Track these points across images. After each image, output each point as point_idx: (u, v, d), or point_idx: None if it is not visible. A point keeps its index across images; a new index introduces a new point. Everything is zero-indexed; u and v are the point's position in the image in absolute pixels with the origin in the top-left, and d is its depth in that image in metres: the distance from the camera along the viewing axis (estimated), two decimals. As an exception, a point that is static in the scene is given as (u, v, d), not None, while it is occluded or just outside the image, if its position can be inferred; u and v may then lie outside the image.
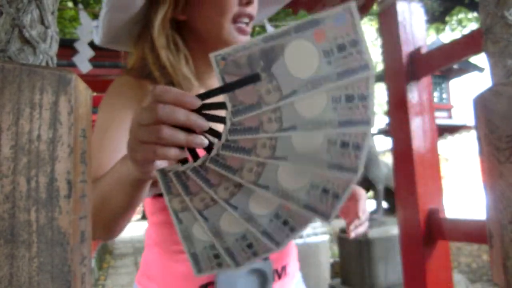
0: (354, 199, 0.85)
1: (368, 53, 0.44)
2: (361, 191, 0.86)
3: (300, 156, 0.45)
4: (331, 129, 0.44)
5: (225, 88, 0.45)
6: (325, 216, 0.45)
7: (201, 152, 0.47)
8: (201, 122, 0.45)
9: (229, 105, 0.46)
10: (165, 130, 0.44)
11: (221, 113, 0.46)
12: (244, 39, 0.72)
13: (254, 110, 0.45)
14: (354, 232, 0.82)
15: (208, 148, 0.47)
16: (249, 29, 0.73)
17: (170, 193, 0.48)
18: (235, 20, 0.71)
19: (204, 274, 0.49)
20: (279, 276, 0.81)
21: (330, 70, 0.44)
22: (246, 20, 0.72)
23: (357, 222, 0.82)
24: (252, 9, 0.71)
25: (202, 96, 0.46)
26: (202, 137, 0.46)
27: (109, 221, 0.63)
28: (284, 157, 0.45)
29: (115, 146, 0.69)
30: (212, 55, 0.44)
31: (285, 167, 0.45)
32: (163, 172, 0.48)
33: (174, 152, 0.45)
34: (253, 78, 0.44)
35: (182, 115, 0.44)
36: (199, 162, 0.47)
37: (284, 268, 0.82)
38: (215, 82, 0.79)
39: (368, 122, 0.44)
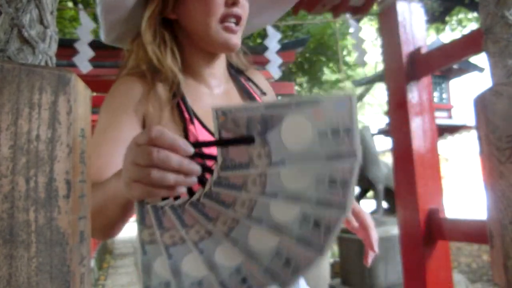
0: (364, 227, 0.92)
1: (357, 143, 0.46)
2: (369, 219, 0.90)
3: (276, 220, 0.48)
4: (308, 205, 0.47)
5: (219, 142, 0.47)
6: (319, 250, 0.47)
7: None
8: (193, 168, 0.47)
9: (220, 158, 0.48)
10: (157, 174, 0.45)
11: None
12: (232, 37, 0.74)
13: (242, 169, 0.47)
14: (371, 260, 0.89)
15: (190, 190, 0.50)
16: (237, 28, 0.75)
17: (142, 223, 0.50)
18: (222, 20, 0.74)
19: None
20: None
21: (320, 150, 0.46)
22: (233, 20, 0.74)
23: (373, 254, 0.89)
24: (239, 9, 0.74)
25: (195, 145, 0.48)
26: (191, 179, 0.48)
27: (105, 226, 0.65)
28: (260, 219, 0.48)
29: (114, 149, 0.70)
30: (213, 109, 0.46)
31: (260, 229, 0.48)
32: (141, 203, 0.50)
33: (163, 193, 0.47)
34: (248, 140, 0.46)
35: (175, 162, 0.45)
36: (179, 201, 0.50)
37: None
38: (214, 80, 0.82)
39: (344, 208, 0.46)
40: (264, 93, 0.86)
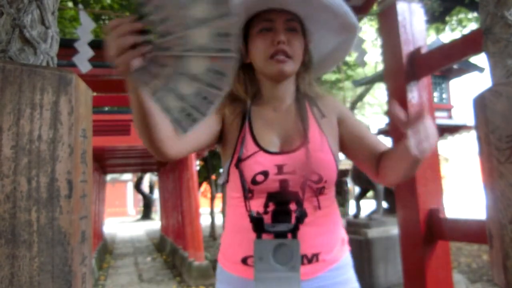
0: (420, 115, 0.87)
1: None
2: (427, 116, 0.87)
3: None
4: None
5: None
6: (226, 85, 0.70)
7: None
8: (134, 27, 0.66)
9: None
10: (120, 41, 0.65)
11: None
12: (282, 66, 0.98)
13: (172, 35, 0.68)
14: (417, 149, 0.84)
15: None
16: (286, 59, 0.98)
17: (145, 85, 0.68)
18: (273, 56, 0.98)
19: (188, 131, 0.70)
20: (309, 261, 0.95)
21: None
22: (281, 55, 0.97)
23: (418, 136, 0.85)
24: (285, 46, 0.97)
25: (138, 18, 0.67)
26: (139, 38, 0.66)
27: (147, 139, 0.82)
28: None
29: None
30: None
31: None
32: (136, 78, 0.66)
33: (132, 53, 0.65)
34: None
35: (129, 41, 0.65)
36: (144, 63, 0.67)
37: (316, 256, 0.96)
38: (277, 101, 1.06)
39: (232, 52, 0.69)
40: (323, 116, 1.04)
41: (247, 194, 0.96)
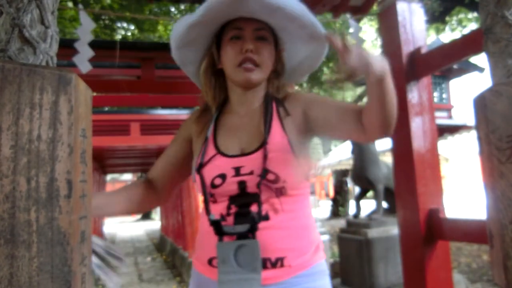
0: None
1: None
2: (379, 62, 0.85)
3: None
4: None
5: None
6: None
7: None
8: None
9: None
10: None
11: None
12: (249, 75, 1.00)
13: None
14: (359, 60, 0.83)
15: None
16: (254, 67, 1.00)
17: None
18: (240, 64, 1.00)
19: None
20: (273, 265, 0.93)
21: None
22: (248, 64, 1.00)
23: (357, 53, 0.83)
24: (253, 55, 0.99)
25: None
26: None
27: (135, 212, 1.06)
28: None
29: (160, 158, 1.17)
30: None
31: None
32: None
33: None
34: None
35: None
36: None
37: (280, 260, 0.93)
38: (243, 107, 1.07)
39: None
40: (288, 114, 1.03)
41: (209, 197, 0.98)
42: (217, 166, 0.97)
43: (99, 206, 0.98)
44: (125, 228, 16.12)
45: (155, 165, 1.16)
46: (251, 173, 0.94)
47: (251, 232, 0.90)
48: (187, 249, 6.28)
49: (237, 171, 0.95)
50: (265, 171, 0.93)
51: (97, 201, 0.96)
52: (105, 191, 1.12)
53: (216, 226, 0.92)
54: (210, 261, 0.97)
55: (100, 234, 8.89)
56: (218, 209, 0.97)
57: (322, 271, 1.01)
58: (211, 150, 1.01)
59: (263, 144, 0.97)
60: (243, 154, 0.98)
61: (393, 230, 3.99)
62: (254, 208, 0.93)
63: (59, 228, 0.40)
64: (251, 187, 0.94)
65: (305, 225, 0.99)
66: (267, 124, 1.01)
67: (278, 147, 0.96)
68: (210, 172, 0.97)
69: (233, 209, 0.95)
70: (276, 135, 0.99)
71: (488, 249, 0.98)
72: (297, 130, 1.01)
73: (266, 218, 0.93)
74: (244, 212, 0.93)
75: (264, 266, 0.91)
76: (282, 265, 0.93)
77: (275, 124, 1.02)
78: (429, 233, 1.90)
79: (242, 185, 0.95)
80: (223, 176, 0.96)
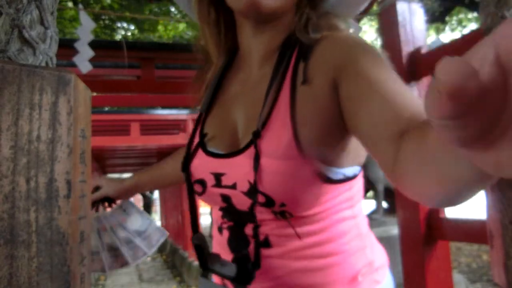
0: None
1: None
2: None
3: None
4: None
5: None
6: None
7: None
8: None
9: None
10: None
11: None
12: None
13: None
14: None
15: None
16: None
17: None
18: None
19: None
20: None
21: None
22: None
23: None
24: None
25: None
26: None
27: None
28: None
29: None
30: None
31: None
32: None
33: None
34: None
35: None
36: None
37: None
38: (259, 58, 0.67)
39: None
40: (306, 80, 0.58)
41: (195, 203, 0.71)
42: (197, 166, 0.67)
43: (152, 180, 0.97)
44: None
45: None
46: (233, 186, 0.61)
47: (242, 278, 0.60)
48: (187, 249, 6.28)
49: (217, 179, 0.63)
50: (253, 190, 0.58)
51: (151, 175, 0.97)
52: (155, 165, 0.99)
53: (199, 253, 0.66)
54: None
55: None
56: (216, 216, 0.71)
57: None
58: (196, 138, 0.69)
59: (252, 142, 0.58)
60: (226, 155, 0.63)
61: (393, 230, 3.99)
62: (248, 230, 0.63)
63: (58, 228, 0.40)
64: (240, 205, 0.63)
65: (334, 251, 0.63)
66: (269, 98, 0.59)
67: (275, 148, 0.57)
68: (193, 172, 0.68)
69: (227, 224, 0.66)
70: (278, 122, 0.58)
71: (488, 249, 0.98)
72: (317, 114, 0.57)
73: (266, 244, 0.62)
74: (238, 235, 0.64)
75: None
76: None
77: (282, 99, 0.59)
78: (429, 233, 1.90)
79: (226, 200, 0.64)
80: (202, 183, 0.66)
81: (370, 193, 4.90)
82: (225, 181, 0.62)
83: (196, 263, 5.76)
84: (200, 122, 0.71)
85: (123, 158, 7.85)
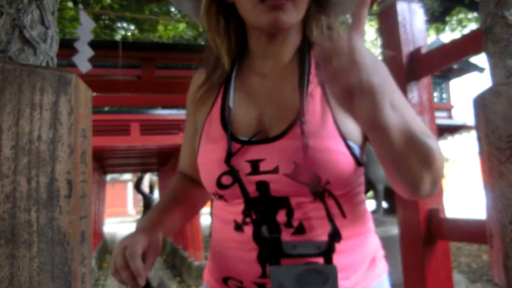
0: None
1: None
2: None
3: None
4: None
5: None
6: None
7: None
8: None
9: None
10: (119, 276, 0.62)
11: None
12: (278, 14, 0.65)
13: None
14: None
15: None
16: (285, 2, 0.65)
17: None
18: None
19: None
20: None
21: None
22: None
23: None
24: None
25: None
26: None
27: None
28: None
29: (184, 148, 0.88)
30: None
31: None
32: None
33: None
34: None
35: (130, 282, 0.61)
36: None
37: None
38: (272, 61, 0.74)
39: None
40: None
41: (216, 197, 0.72)
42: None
43: (167, 229, 0.78)
44: (125, 227, 16.12)
45: (181, 155, 0.89)
46: (275, 170, 0.64)
47: (324, 255, 0.62)
48: (187, 249, 6.28)
49: (255, 166, 0.65)
50: (299, 171, 0.62)
51: (164, 225, 0.77)
52: (161, 210, 0.81)
53: (273, 246, 0.63)
54: (225, 281, 0.72)
55: (100, 234, 8.89)
56: (230, 213, 0.70)
57: None
58: (215, 130, 0.71)
59: (294, 124, 0.64)
60: (264, 140, 0.66)
61: (393, 230, 3.99)
62: (280, 218, 0.65)
63: (59, 228, 0.40)
64: (276, 191, 0.65)
65: (360, 231, 0.71)
66: (304, 89, 0.67)
67: (317, 128, 0.64)
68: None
69: (252, 216, 0.67)
70: (316, 108, 0.66)
71: (488, 249, 0.98)
72: None
73: (300, 231, 0.64)
74: (270, 223, 0.65)
75: None
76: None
77: (314, 90, 0.68)
78: (429, 233, 1.90)
79: (262, 186, 0.65)
80: (233, 174, 0.66)
81: (370, 193, 4.91)
82: (264, 166, 0.65)
83: (196, 263, 5.76)
84: (213, 116, 0.74)
85: (123, 158, 7.85)
